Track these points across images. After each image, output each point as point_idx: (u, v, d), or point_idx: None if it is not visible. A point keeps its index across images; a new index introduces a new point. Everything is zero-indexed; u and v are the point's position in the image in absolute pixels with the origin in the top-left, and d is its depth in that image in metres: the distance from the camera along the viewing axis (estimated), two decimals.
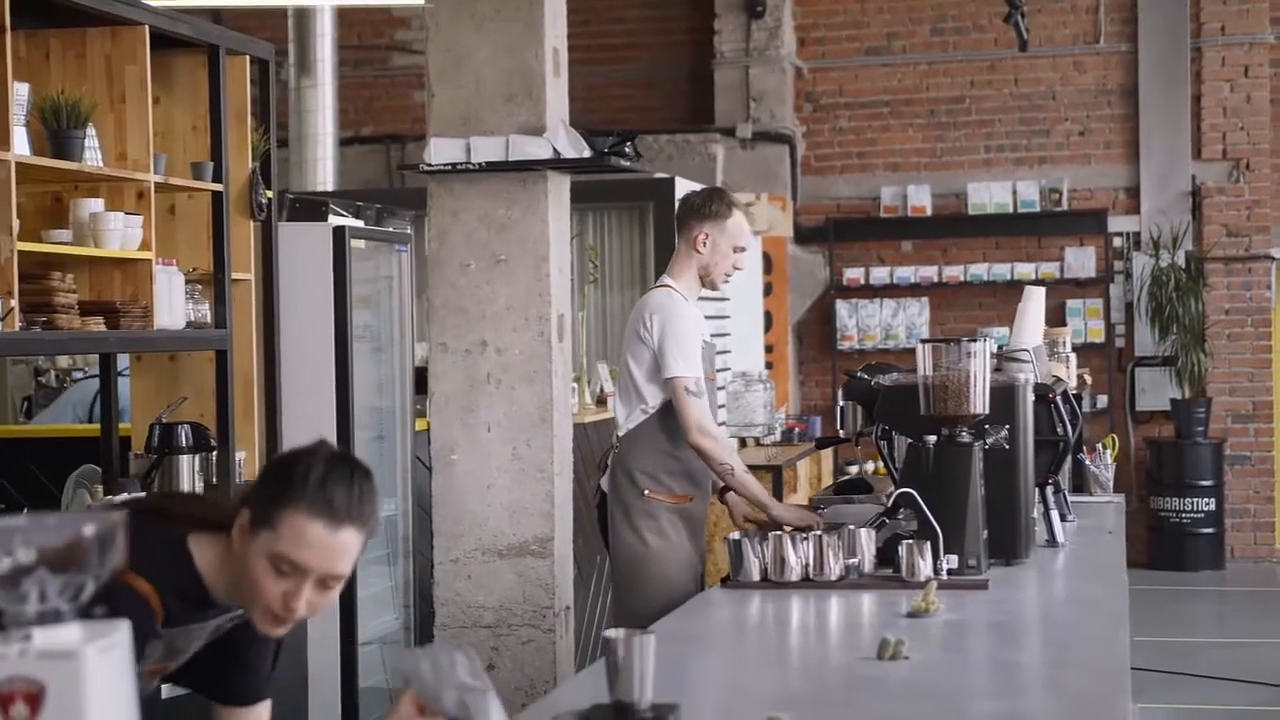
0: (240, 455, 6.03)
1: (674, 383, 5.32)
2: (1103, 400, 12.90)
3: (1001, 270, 13.04)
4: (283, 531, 2.68)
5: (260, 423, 6.24)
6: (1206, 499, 12.59)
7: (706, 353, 5.53)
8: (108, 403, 5.93)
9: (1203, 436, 12.65)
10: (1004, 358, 5.37)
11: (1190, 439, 12.63)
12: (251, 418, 6.16)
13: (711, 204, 5.55)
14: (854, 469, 12.70)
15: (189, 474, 5.62)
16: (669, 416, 5.41)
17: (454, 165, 5.97)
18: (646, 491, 5.44)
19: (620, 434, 5.56)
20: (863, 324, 13.30)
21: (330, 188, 10.79)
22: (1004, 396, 4.68)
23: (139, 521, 2.83)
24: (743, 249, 5.57)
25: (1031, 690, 3.24)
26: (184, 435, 5.64)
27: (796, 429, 11.38)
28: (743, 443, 10.91)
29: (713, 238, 5.49)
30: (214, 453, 5.83)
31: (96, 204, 5.30)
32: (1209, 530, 12.62)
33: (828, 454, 11.52)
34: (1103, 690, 3.13)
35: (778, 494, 9.43)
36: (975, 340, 4.57)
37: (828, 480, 11.44)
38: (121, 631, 1.82)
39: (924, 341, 4.60)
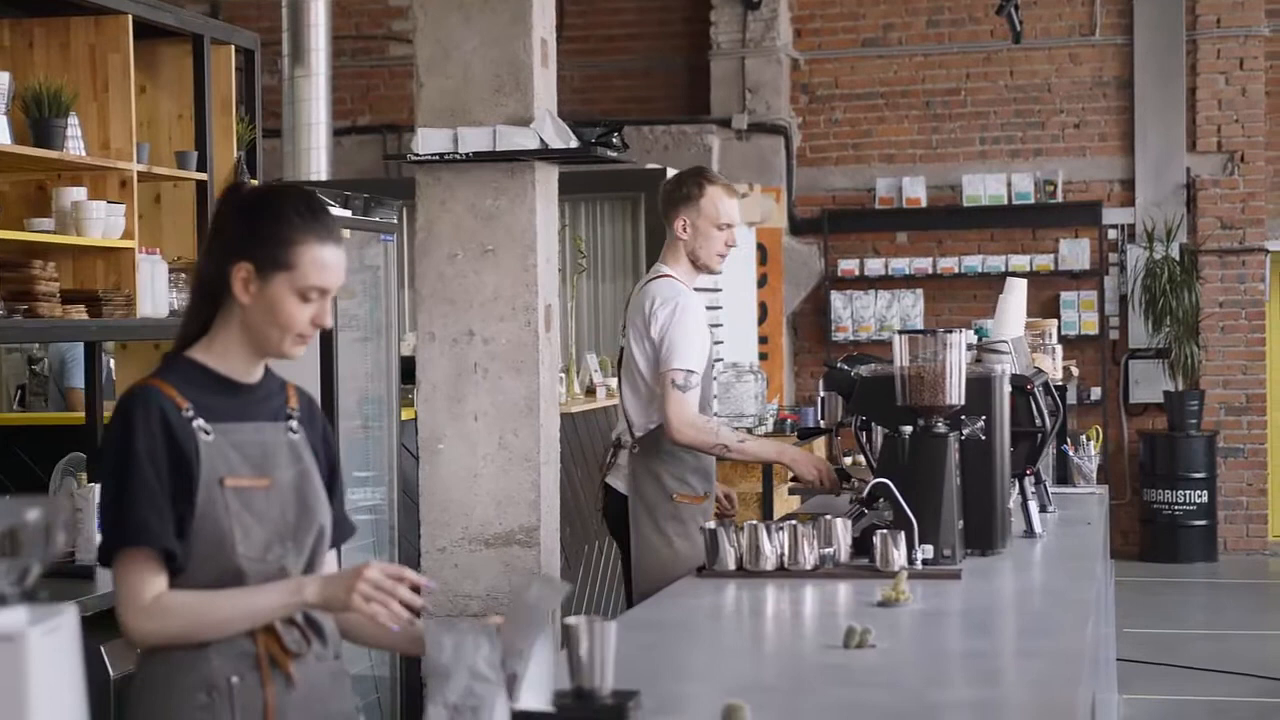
0: None
1: (664, 375, 5.25)
2: (1096, 392, 12.92)
3: (996, 262, 13.05)
4: (302, 267, 2.89)
5: None
6: (1199, 491, 12.61)
7: (712, 340, 5.47)
8: (92, 389, 5.94)
9: (1196, 429, 12.67)
10: (983, 349, 5.38)
11: (1183, 431, 12.65)
12: None
13: (683, 187, 5.45)
14: (849, 460, 12.71)
15: None
16: None
17: (441, 155, 5.99)
18: (675, 495, 5.34)
19: (638, 434, 5.41)
20: (857, 315, 13.32)
21: (324, 177, 10.80)
22: (980, 388, 4.69)
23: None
24: (728, 225, 5.42)
25: (991, 679, 3.26)
26: None
27: (790, 420, 11.37)
28: None
29: (691, 221, 5.41)
30: None
31: (79, 192, 5.32)
32: (1201, 522, 12.64)
33: (821, 444, 11.52)
34: (1062, 678, 3.15)
35: (768, 485, 9.41)
36: (952, 332, 4.58)
37: None
38: (67, 614, 1.84)
39: (900, 332, 4.61)
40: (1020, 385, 5.11)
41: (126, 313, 5.40)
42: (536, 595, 2.72)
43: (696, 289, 5.62)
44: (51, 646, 1.80)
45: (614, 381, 8.48)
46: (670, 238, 5.51)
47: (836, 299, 13.31)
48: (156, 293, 5.58)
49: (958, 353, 4.55)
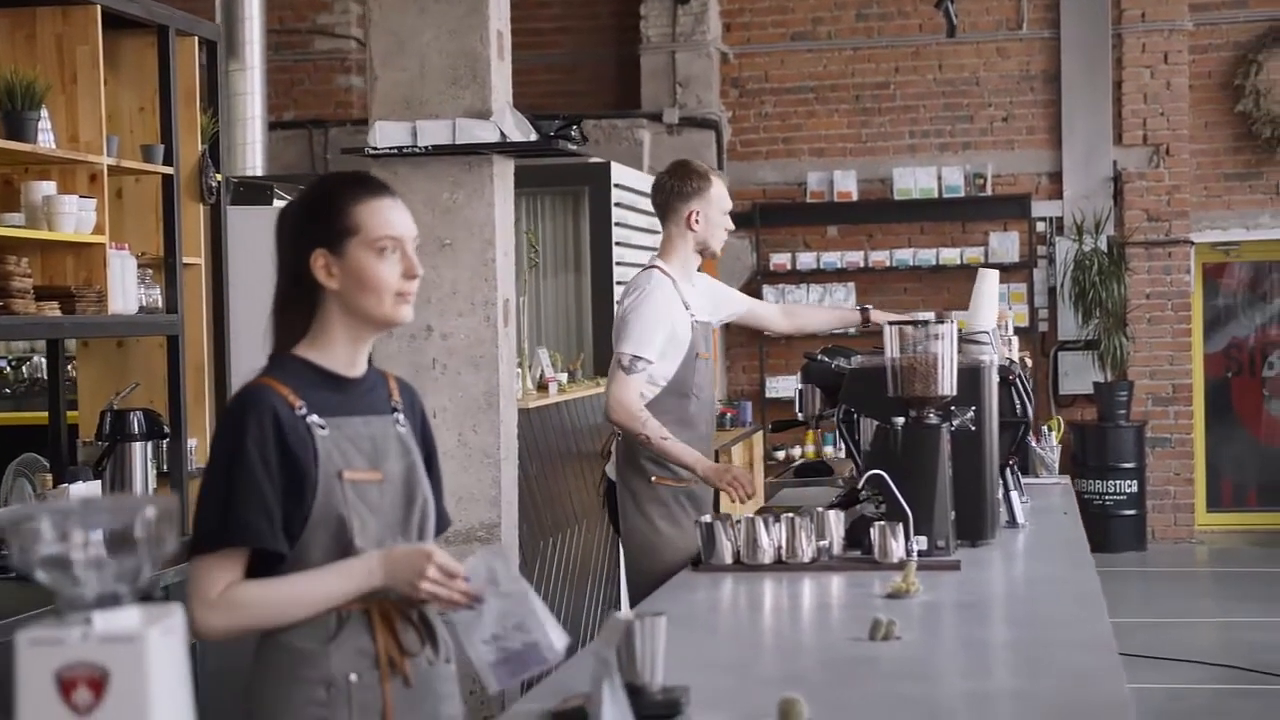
0: (193, 443, 5.94)
1: (615, 356, 5.37)
2: None
3: (927, 255, 13.12)
4: (366, 224, 2.93)
5: (211, 409, 6.16)
6: (1128, 481, 12.74)
7: (702, 331, 5.51)
8: (56, 390, 5.82)
9: (1124, 419, 12.80)
10: (964, 339, 5.37)
11: (1112, 422, 12.77)
12: (203, 404, 6.09)
13: (691, 181, 5.56)
14: (781, 454, 12.74)
15: (141, 461, 5.53)
16: (669, 398, 5.38)
17: (400, 149, 5.94)
18: (654, 478, 5.42)
19: None
20: None
21: (260, 173, 10.65)
22: (970, 378, 4.70)
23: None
24: (728, 210, 5.64)
25: (1027, 669, 3.26)
26: (136, 422, 5.54)
27: (728, 414, 11.40)
28: None
29: (703, 213, 5.53)
30: (166, 440, 5.74)
31: (49, 187, 5.21)
32: (1131, 512, 12.77)
33: (758, 439, 11.55)
34: (1098, 668, 3.15)
35: None
36: (942, 322, 4.58)
37: (759, 465, 11.47)
38: (177, 614, 1.79)
39: (891, 323, 4.61)
40: (1004, 375, 5.13)
41: (99, 309, 5.29)
42: (607, 633, 2.71)
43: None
44: (168, 646, 1.76)
45: (565, 376, 8.48)
46: (675, 231, 5.57)
47: (769, 293, 13.31)
48: (126, 288, 5.47)
49: (948, 343, 4.55)
